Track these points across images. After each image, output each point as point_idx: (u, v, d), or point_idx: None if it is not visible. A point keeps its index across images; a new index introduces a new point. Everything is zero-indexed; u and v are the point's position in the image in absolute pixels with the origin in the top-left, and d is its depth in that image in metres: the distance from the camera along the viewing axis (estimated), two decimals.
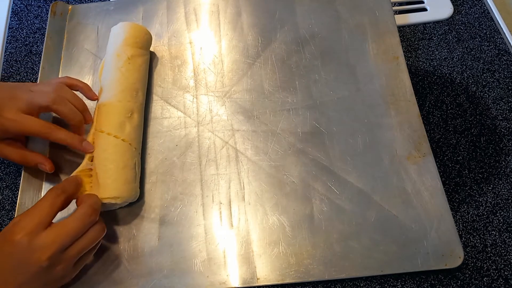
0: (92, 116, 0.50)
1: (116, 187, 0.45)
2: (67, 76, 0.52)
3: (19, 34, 0.63)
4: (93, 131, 0.48)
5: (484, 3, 0.65)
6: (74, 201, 0.44)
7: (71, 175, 0.45)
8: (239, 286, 0.44)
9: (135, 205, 0.48)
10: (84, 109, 0.49)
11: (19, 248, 0.38)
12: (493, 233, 0.49)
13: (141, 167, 0.49)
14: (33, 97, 0.46)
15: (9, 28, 0.64)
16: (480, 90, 0.58)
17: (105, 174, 0.45)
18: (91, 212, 0.41)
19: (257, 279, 0.45)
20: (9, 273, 0.38)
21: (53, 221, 0.40)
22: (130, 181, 0.46)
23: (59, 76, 0.57)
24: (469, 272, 0.46)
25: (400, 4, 0.66)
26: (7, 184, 0.52)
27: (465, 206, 0.50)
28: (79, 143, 0.47)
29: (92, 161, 0.46)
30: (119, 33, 0.53)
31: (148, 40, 0.55)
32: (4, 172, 0.53)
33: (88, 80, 0.56)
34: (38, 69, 0.57)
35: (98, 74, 0.53)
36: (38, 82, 0.55)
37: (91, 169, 0.46)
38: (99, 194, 0.44)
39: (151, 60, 0.57)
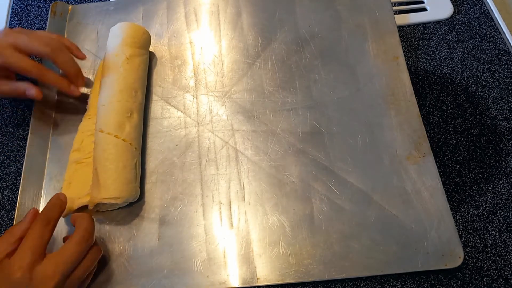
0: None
1: (116, 187, 0.45)
2: (57, 34, 0.54)
3: None
4: (93, 131, 0.48)
5: (484, 3, 0.65)
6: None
7: (55, 194, 0.43)
8: (239, 286, 0.44)
9: (135, 205, 0.48)
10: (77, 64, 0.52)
11: (23, 285, 0.37)
12: (493, 233, 0.49)
13: (141, 167, 0.49)
14: (32, 41, 0.48)
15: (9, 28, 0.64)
16: (480, 90, 0.58)
17: (106, 174, 0.45)
18: (88, 236, 0.41)
19: (257, 279, 0.45)
20: None
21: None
22: (131, 181, 0.46)
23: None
24: (469, 272, 0.46)
25: (400, 4, 0.66)
26: (7, 184, 0.52)
27: (465, 206, 0.50)
28: (68, 86, 0.51)
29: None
30: (117, 34, 0.53)
31: (146, 39, 0.55)
32: (4, 172, 0.53)
33: (88, 81, 0.56)
34: None
35: (97, 74, 0.53)
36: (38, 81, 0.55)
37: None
38: (99, 194, 0.44)
39: (151, 60, 0.57)
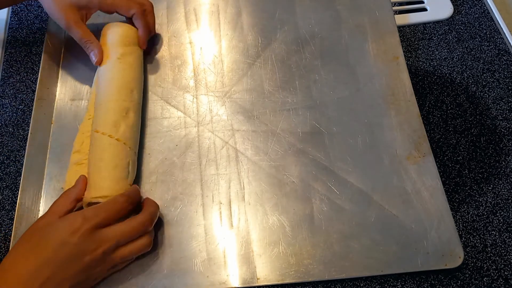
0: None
1: (107, 186, 0.44)
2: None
3: (19, 34, 0.63)
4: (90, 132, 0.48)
5: (484, 3, 0.65)
6: None
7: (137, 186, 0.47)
8: (239, 286, 0.44)
9: None
10: None
11: (80, 236, 0.39)
12: (493, 233, 0.49)
13: (141, 167, 0.49)
14: None
15: (9, 28, 0.64)
16: (480, 90, 0.58)
17: (96, 173, 0.45)
18: (150, 221, 0.43)
19: (257, 279, 0.45)
20: (65, 264, 0.38)
21: None
22: (121, 180, 0.46)
23: (60, 76, 0.57)
24: (469, 272, 0.47)
25: (400, 4, 0.66)
26: (7, 184, 0.52)
27: (465, 206, 0.50)
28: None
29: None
30: (106, 35, 0.53)
31: (134, 36, 0.54)
32: (4, 172, 0.53)
33: (88, 81, 0.56)
34: (38, 69, 0.57)
35: (95, 76, 0.53)
36: (38, 81, 0.55)
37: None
38: (89, 193, 0.44)
39: (151, 60, 0.57)
